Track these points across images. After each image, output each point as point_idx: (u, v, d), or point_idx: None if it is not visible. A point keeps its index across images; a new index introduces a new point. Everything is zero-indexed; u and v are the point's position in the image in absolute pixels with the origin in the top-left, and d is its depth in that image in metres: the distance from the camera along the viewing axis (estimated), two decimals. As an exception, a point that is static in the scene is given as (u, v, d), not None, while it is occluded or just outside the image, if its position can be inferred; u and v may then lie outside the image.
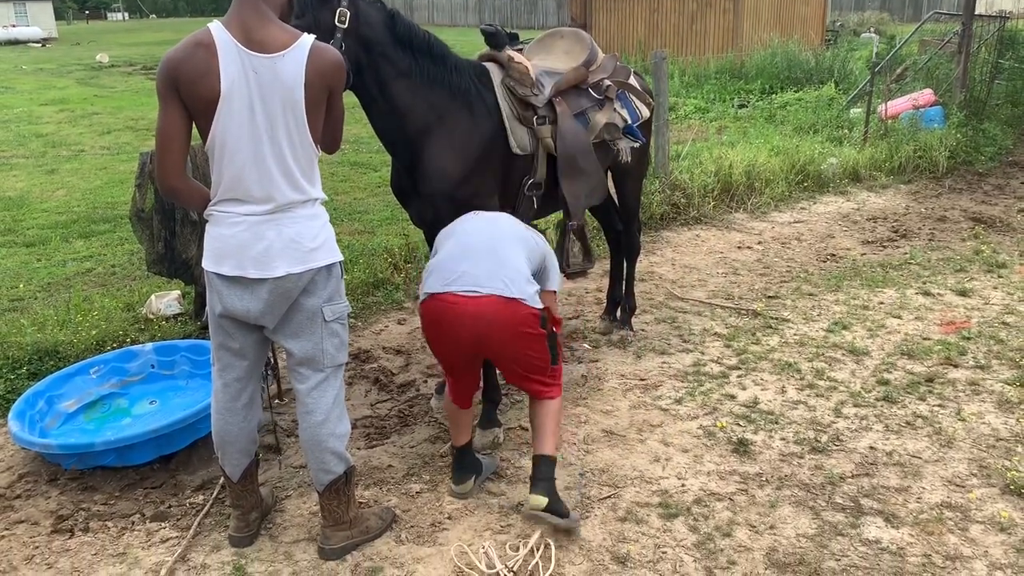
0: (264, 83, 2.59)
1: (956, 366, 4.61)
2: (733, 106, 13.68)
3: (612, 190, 4.85)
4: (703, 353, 4.87)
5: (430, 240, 4.28)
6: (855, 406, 4.18)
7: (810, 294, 5.81)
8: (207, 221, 2.79)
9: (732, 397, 4.31)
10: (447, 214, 3.76)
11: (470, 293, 3.04)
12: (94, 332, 4.68)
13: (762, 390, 4.39)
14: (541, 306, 3.14)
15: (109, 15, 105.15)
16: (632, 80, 4.33)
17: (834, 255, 6.71)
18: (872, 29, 31.29)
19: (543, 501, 3.05)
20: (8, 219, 7.82)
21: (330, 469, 2.99)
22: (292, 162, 2.69)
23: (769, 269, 6.40)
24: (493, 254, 3.14)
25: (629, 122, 4.24)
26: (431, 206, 3.73)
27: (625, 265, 5.09)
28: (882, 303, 5.59)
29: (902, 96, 11.19)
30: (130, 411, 4.17)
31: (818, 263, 6.52)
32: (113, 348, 4.62)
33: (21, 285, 5.76)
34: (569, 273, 4.32)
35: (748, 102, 13.87)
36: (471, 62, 3.86)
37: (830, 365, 4.65)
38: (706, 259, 6.65)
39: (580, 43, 4.20)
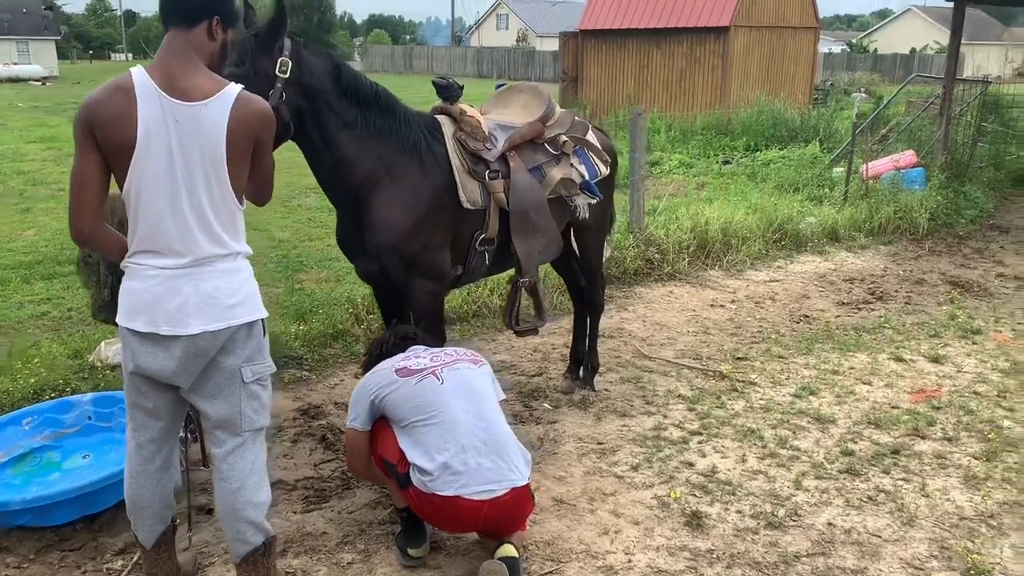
0: (184, 132, 2.48)
1: (924, 437, 4.46)
2: (718, 162, 13.69)
3: (575, 246, 4.75)
4: (665, 416, 4.71)
5: (379, 298, 4.16)
6: (816, 478, 4.02)
7: (780, 356, 5.68)
8: (123, 273, 2.66)
9: (690, 465, 4.15)
10: (394, 269, 3.64)
11: (487, 495, 3.04)
12: (32, 380, 4.51)
13: (722, 458, 4.23)
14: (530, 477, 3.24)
15: (113, 55, 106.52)
16: (590, 136, 4.24)
17: (807, 316, 6.59)
18: (862, 89, 31.70)
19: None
20: (-29, 258, 7.67)
21: (247, 540, 2.81)
22: (211, 214, 2.57)
23: (741, 329, 6.27)
24: (488, 433, 3.13)
25: (587, 178, 4.15)
26: (377, 260, 3.61)
27: (589, 322, 4.96)
28: (853, 368, 5.45)
29: (885, 157, 11.21)
30: (60, 465, 3.98)
31: (791, 324, 6.40)
32: (52, 397, 4.44)
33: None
34: (518, 331, 4.19)
35: (732, 158, 13.89)
36: (422, 114, 3.78)
37: (794, 433, 4.50)
38: (678, 317, 6.52)
39: (538, 98, 4.13)
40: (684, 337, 6.07)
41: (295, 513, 3.70)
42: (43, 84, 43.37)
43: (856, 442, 4.40)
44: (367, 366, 3.42)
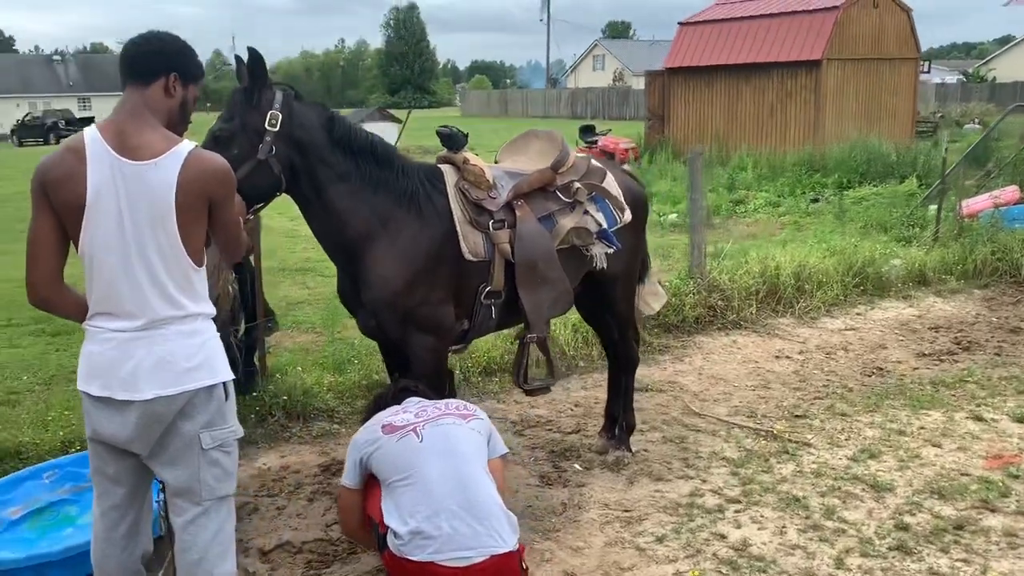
0: (132, 192, 2.43)
1: (994, 511, 3.97)
2: (806, 200, 13.12)
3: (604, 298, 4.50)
4: (704, 481, 4.37)
5: (383, 352, 4.03)
6: (862, 555, 3.62)
7: (843, 414, 5.24)
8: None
9: (722, 537, 3.81)
10: (391, 324, 3.50)
11: (462, 561, 2.78)
12: (62, 432, 4.56)
13: (759, 529, 3.87)
14: (517, 544, 2.91)
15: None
16: (609, 182, 4.02)
17: (881, 369, 6.10)
18: (976, 120, 30.15)
19: None
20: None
21: (210, 613, 2.68)
22: (164, 275, 2.49)
23: (805, 383, 5.85)
24: (465, 495, 2.87)
25: (604, 226, 3.92)
26: (374, 316, 3.48)
27: (623, 379, 4.69)
28: (923, 428, 4.97)
29: (985, 193, 10.47)
30: (76, 520, 3.97)
31: (861, 378, 5.93)
32: (78, 450, 4.47)
33: (25, 377, 5.76)
34: (528, 390, 3.97)
35: (822, 196, 13.29)
36: (423, 165, 3.66)
37: (844, 502, 4.09)
38: (737, 369, 6.14)
39: (552, 144, 3.95)
40: (741, 392, 5.70)
41: (293, 579, 3.56)
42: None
43: (914, 514, 3.95)
44: (364, 420, 3.28)
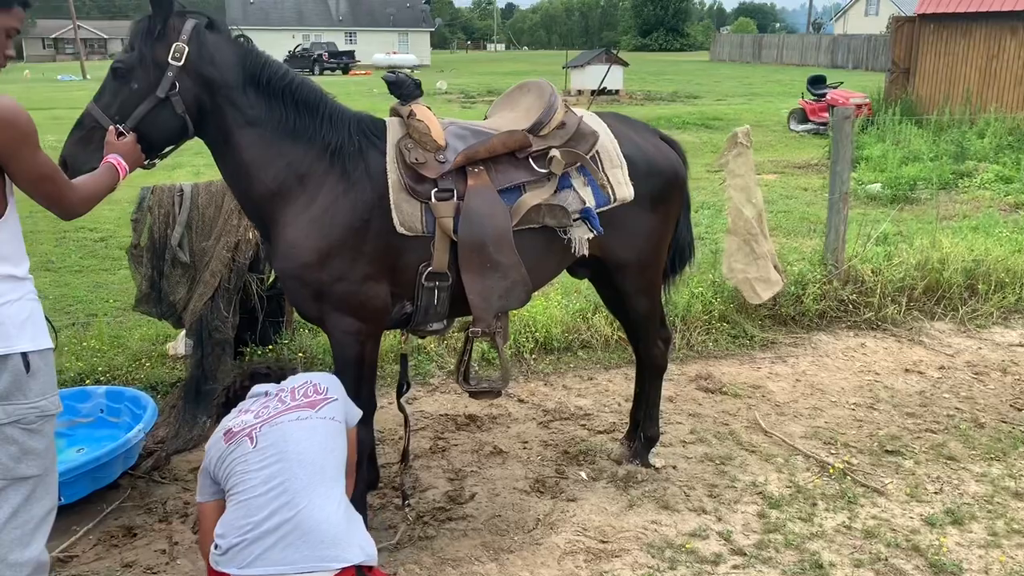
0: None
1: (1085, 634, 2.91)
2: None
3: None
4: (719, 519, 3.62)
5: None
6: (858, 663, 2.77)
7: (950, 458, 4.16)
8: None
9: (696, 598, 3.09)
10: (304, 302, 3.09)
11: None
12: (80, 363, 4.63)
13: (749, 597, 3.10)
14: (360, 560, 2.44)
15: (488, 46, 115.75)
16: (604, 151, 3.27)
17: (1037, 403, 4.82)
18: None
19: None
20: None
21: (8, 603, 2.48)
22: None
23: (924, 409, 4.74)
24: (295, 510, 2.43)
25: (590, 204, 3.21)
26: (288, 289, 3.07)
27: (645, 385, 3.98)
28: (1051, 494, 3.82)
29: None
30: (60, 452, 3.99)
31: (1004, 412, 4.71)
32: (98, 383, 4.54)
33: (111, 300, 5.99)
34: (472, 392, 3.39)
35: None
36: (361, 115, 3.13)
37: (881, 581, 3.19)
38: (848, 380, 5.12)
39: (539, 99, 3.26)
40: (835, 410, 4.72)
41: None
42: (411, 71, 48.00)
43: (965, 617, 2.99)
44: (217, 418, 2.89)
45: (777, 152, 15.47)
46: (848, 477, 3.96)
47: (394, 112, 3.20)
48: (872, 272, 6.02)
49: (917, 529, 3.55)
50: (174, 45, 2.83)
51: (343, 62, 49.29)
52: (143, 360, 4.88)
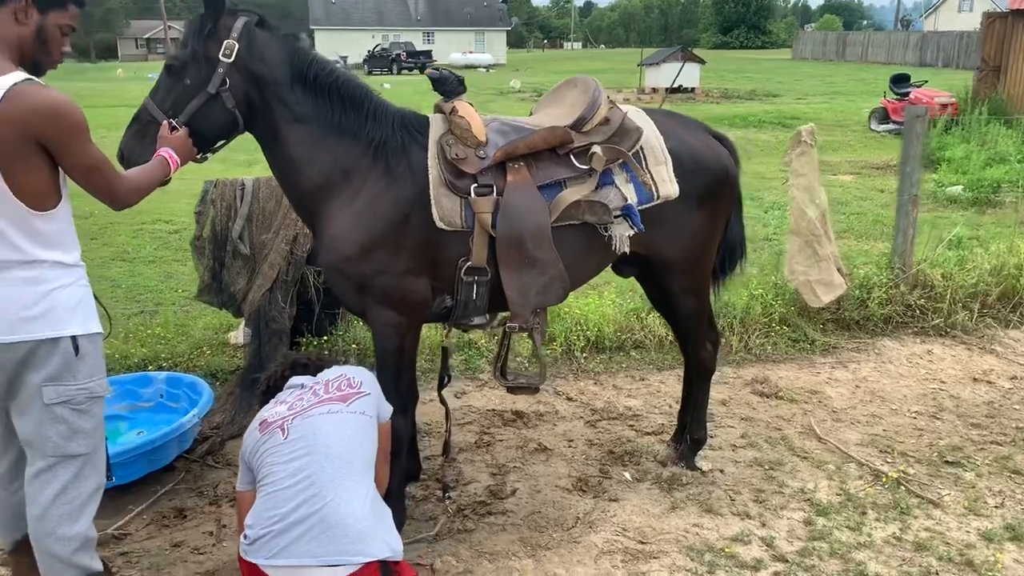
0: None
1: None
2: None
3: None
4: (763, 525, 3.55)
5: None
6: None
7: (1015, 472, 3.99)
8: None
9: (732, 604, 3.04)
10: (346, 294, 3.16)
11: (302, 571, 2.44)
12: (144, 349, 4.81)
13: (787, 606, 3.04)
14: (384, 555, 2.49)
15: (565, 44, 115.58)
16: (648, 147, 3.23)
17: (1115, 418, 4.57)
18: None
19: None
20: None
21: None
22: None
23: (991, 420, 4.55)
24: (322, 503, 2.48)
25: (631, 201, 3.18)
26: (331, 281, 3.14)
27: (694, 386, 3.92)
28: (1121, 513, 3.62)
29: None
30: (117, 438, 4.16)
31: (1077, 425, 4.49)
32: (161, 369, 4.71)
33: (179, 290, 6.20)
34: (509, 387, 3.39)
35: None
36: (405, 112, 3.17)
37: (927, 595, 3.08)
38: (911, 388, 4.95)
39: (584, 95, 3.25)
40: (894, 418, 4.58)
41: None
42: (487, 71, 48.29)
43: (1017, 637, 2.87)
44: (260, 405, 2.97)
45: (856, 152, 15.04)
46: (903, 487, 3.83)
47: (438, 108, 3.24)
48: (942, 277, 5.80)
49: (973, 543, 3.41)
50: (225, 42, 2.91)
51: (420, 61, 49.84)
52: (204, 348, 5.04)
